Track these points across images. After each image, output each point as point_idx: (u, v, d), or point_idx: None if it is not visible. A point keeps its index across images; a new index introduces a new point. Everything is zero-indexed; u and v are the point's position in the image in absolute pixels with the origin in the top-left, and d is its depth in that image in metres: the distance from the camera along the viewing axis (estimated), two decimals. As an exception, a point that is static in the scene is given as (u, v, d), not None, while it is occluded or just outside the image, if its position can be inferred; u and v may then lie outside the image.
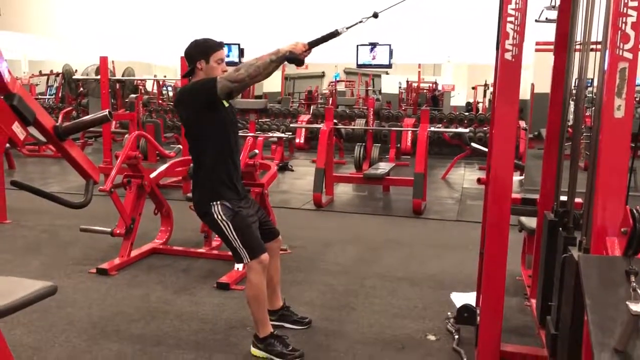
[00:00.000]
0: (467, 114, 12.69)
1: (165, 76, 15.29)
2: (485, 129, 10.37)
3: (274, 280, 3.08)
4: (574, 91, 2.88)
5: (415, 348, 2.92)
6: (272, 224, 3.11)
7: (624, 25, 1.83)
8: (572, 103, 3.05)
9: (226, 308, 3.40)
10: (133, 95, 10.20)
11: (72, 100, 14.69)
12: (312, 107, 14.66)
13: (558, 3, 2.93)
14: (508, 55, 2.24)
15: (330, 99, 16.17)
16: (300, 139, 9.97)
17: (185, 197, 4.98)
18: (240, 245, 2.73)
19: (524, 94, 10.66)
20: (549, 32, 3.06)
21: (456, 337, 2.98)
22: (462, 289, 3.68)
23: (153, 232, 4.66)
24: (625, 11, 1.83)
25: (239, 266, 3.84)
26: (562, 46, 2.87)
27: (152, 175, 4.45)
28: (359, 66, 10.77)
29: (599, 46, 2.07)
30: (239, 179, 2.90)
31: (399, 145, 9.42)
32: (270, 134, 9.56)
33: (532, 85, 9.56)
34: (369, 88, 17.56)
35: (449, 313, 3.26)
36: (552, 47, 2.99)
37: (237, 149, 2.89)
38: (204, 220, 2.94)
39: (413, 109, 13.64)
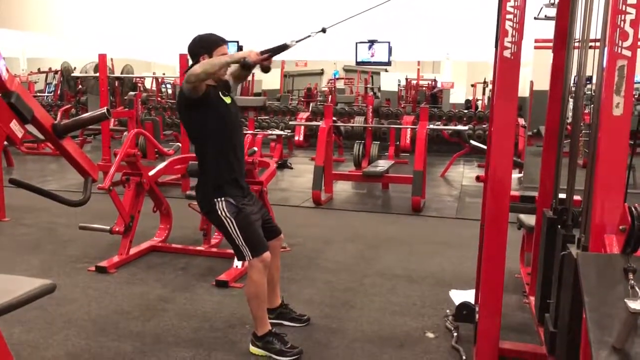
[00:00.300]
0: (466, 111, 12.70)
1: (164, 74, 15.27)
2: (484, 126, 10.37)
3: (274, 279, 3.08)
4: (573, 88, 2.88)
5: (414, 345, 2.93)
6: (274, 222, 3.11)
7: (622, 22, 1.83)
8: (571, 100, 3.06)
9: (225, 306, 3.40)
10: (132, 93, 10.22)
11: (70, 98, 14.69)
12: (311, 104, 14.66)
13: (557, 1, 2.93)
14: (507, 53, 2.24)
15: (330, 96, 16.17)
16: (299, 137, 9.98)
17: (184, 194, 4.97)
18: (243, 243, 2.73)
19: (523, 91, 10.68)
20: (548, 30, 3.06)
21: (455, 334, 2.98)
22: (461, 286, 3.68)
23: (152, 230, 4.66)
24: (624, 9, 1.83)
25: (237, 264, 3.84)
26: (561, 44, 2.86)
27: (151, 173, 4.45)
28: (358, 63, 10.77)
29: (597, 44, 2.08)
30: (243, 176, 2.89)
31: (398, 142, 9.43)
32: (269, 132, 9.55)
33: (531, 82, 9.57)
34: (368, 85, 17.56)
35: (447, 310, 3.26)
36: (551, 44, 2.99)
37: (240, 146, 2.89)
38: (208, 217, 2.94)
39: (412, 107, 13.63)
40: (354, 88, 18.08)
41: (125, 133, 8.17)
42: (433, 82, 16.74)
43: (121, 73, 13.56)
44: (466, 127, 9.45)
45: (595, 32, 2.23)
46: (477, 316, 2.55)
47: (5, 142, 1.87)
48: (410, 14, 12.05)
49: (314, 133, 9.75)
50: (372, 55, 10.06)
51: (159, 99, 13.97)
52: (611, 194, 1.84)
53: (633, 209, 1.62)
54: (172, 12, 14.01)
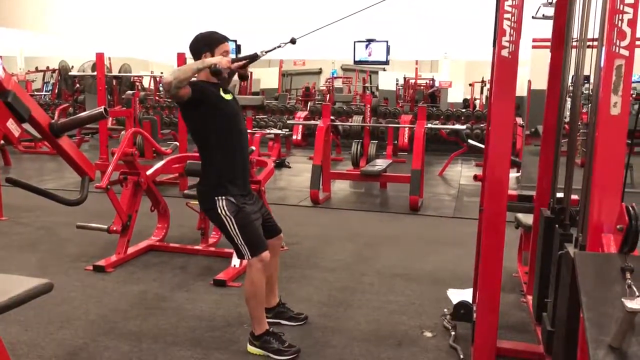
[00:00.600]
0: (464, 110, 12.72)
1: (162, 72, 15.22)
2: (482, 125, 10.38)
3: (272, 278, 3.07)
4: (570, 88, 2.88)
5: (411, 344, 2.93)
6: (275, 221, 3.10)
7: (620, 22, 1.83)
8: (568, 100, 3.06)
9: (223, 305, 3.39)
10: (130, 92, 10.19)
11: (68, 97, 14.68)
12: (309, 103, 14.67)
13: (555, 0, 2.93)
14: (505, 52, 2.24)
15: (328, 95, 16.18)
16: (297, 136, 9.98)
17: (182, 193, 4.96)
18: (242, 242, 2.72)
19: (521, 90, 10.72)
20: (546, 29, 3.06)
21: (453, 333, 2.98)
22: (458, 285, 3.68)
23: (150, 229, 4.65)
24: (621, 8, 1.83)
25: (235, 263, 3.84)
26: (559, 43, 2.87)
27: (149, 172, 4.44)
28: (356, 63, 10.79)
29: (595, 43, 2.08)
30: (245, 175, 2.86)
31: (396, 142, 9.44)
32: (267, 131, 9.55)
33: (529, 81, 9.59)
34: (366, 85, 17.57)
35: (445, 309, 3.26)
36: (549, 43, 3.00)
37: (242, 144, 2.86)
38: (208, 215, 2.94)
39: (410, 106, 13.66)
40: (352, 87, 18.11)
41: (122, 132, 8.16)
42: (431, 81, 16.75)
43: (119, 72, 13.55)
44: (464, 127, 9.44)
45: (593, 31, 2.23)
46: (474, 315, 2.55)
47: (2, 141, 1.87)
48: (408, 13, 12.05)
49: (312, 132, 9.75)
50: (370, 55, 10.08)
51: (156, 98, 13.96)
52: (609, 193, 1.84)
53: (630, 209, 1.62)
54: (169, 11, 13.99)
